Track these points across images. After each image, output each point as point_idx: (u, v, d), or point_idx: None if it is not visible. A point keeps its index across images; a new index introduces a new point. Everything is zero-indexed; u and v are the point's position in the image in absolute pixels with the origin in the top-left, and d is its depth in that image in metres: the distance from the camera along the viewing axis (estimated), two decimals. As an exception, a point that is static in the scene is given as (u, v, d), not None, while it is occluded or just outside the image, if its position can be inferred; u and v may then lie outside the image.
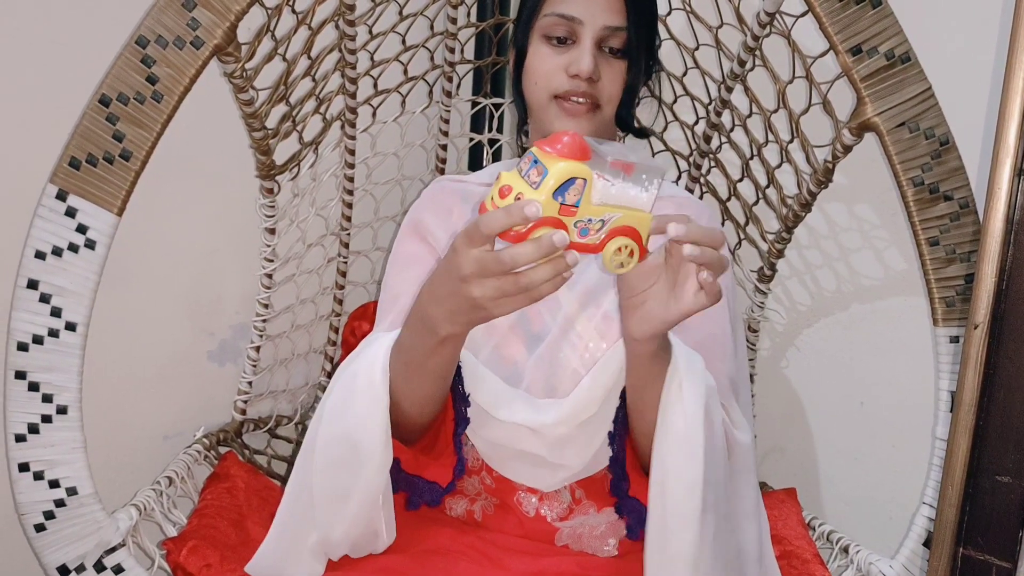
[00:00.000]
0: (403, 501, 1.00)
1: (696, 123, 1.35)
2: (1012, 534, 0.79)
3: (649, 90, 1.25)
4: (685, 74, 1.33)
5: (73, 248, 0.96)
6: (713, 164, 1.35)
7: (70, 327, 0.96)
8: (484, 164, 1.55)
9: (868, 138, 1.08)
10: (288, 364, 1.39)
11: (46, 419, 0.96)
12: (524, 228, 0.71)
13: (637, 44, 1.04)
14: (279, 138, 1.19)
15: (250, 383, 1.33)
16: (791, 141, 1.19)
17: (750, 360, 1.38)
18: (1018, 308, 0.79)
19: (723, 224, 1.34)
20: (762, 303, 1.34)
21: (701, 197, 1.38)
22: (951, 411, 0.97)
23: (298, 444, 1.41)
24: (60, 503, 0.97)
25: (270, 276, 1.30)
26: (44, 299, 0.96)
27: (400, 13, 1.30)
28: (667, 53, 1.29)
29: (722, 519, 0.87)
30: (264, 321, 1.31)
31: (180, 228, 1.25)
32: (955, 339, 1.07)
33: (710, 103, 1.30)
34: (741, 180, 1.31)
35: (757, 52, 1.17)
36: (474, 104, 1.52)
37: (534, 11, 1.05)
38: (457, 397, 0.97)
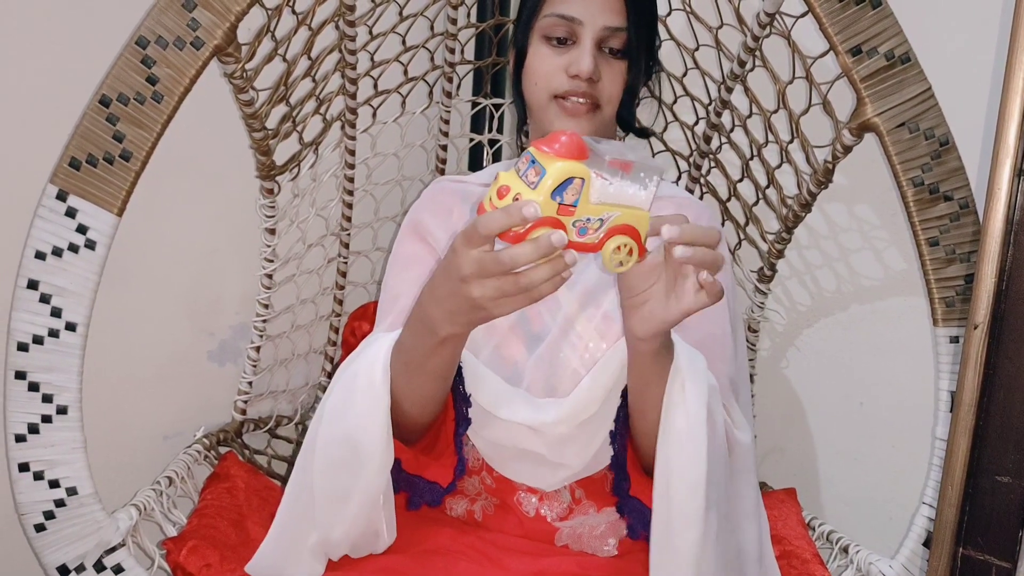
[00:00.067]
0: (404, 501, 1.00)
1: (696, 123, 1.35)
2: (1012, 534, 0.79)
3: (649, 90, 1.25)
4: (685, 74, 1.33)
5: (73, 248, 0.96)
6: (713, 164, 1.35)
7: (70, 327, 0.96)
8: (484, 164, 1.55)
9: (868, 138, 1.08)
10: (288, 364, 1.39)
11: (46, 419, 0.96)
12: (523, 228, 0.71)
13: (637, 44, 1.04)
14: (279, 138, 1.19)
15: (250, 383, 1.33)
16: (791, 141, 1.19)
17: (750, 360, 1.38)
18: (1018, 308, 0.79)
19: (723, 224, 1.34)
20: (762, 303, 1.34)
21: (701, 197, 1.38)
22: (951, 411, 0.97)
23: (298, 444, 1.41)
24: (60, 503, 0.97)
25: (270, 276, 1.30)
26: (44, 299, 0.96)
27: (400, 14, 1.30)
28: (667, 53, 1.29)
29: (723, 518, 0.87)
30: (264, 321, 1.31)
31: (180, 228, 1.25)
32: (955, 339, 1.07)
33: (710, 103, 1.30)
34: (741, 180, 1.31)
35: (757, 52, 1.17)
36: (474, 104, 1.52)
37: (534, 12, 1.05)
38: (458, 397, 0.97)
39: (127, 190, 0.97)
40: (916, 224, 1.06)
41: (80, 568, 0.98)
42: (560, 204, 0.71)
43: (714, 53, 1.27)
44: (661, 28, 1.25)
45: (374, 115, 1.37)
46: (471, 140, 1.55)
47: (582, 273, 1.02)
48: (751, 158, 1.28)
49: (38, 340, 0.96)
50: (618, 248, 0.74)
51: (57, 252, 0.96)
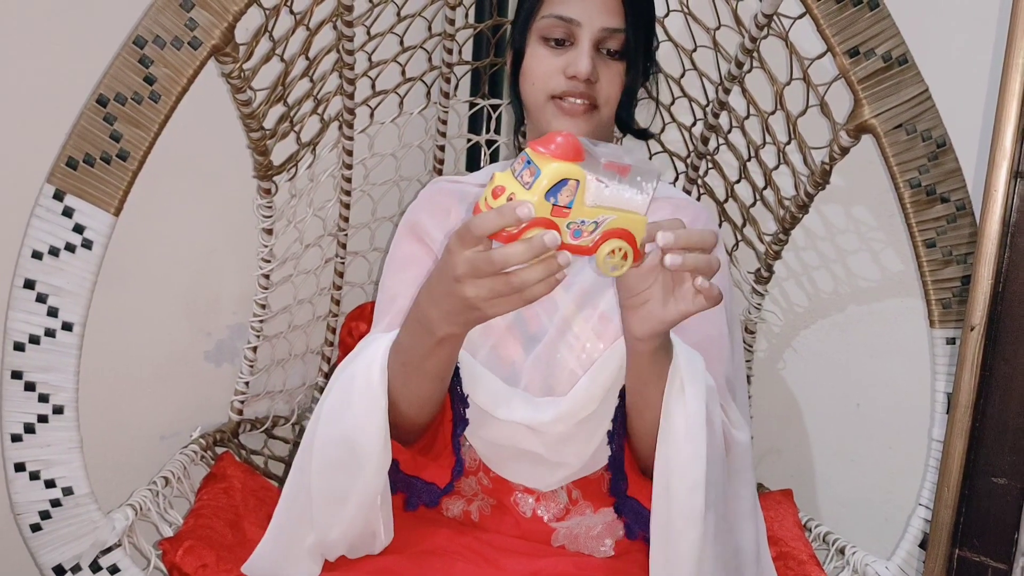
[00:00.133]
0: (401, 502, 1.00)
1: (694, 124, 1.35)
2: (1008, 536, 0.79)
3: (647, 92, 1.25)
4: (683, 76, 1.33)
5: (70, 248, 0.96)
6: (711, 166, 1.35)
7: (67, 327, 0.96)
8: (482, 165, 1.55)
9: (865, 140, 1.09)
10: (285, 364, 1.39)
11: (42, 419, 0.96)
12: (516, 229, 0.71)
13: (635, 46, 1.04)
14: (277, 138, 1.19)
15: (247, 383, 1.33)
16: (788, 143, 1.20)
17: (747, 361, 1.38)
18: (1014, 310, 0.79)
19: (720, 225, 1.35)
20: (759, 304, 1.34)
21: (698, 198, 1.38)
22: (947, 413, 0.97)
23: (295, 445, 1.41)
24: (56, 503, 0.97)
25: (267, 276, 1.30)
26: (41, 299, 0.95)
27: (398, 14, 1.30)
28: (665, 55, 1.29)
29: (721, 518, 0.88)
30: (261, 321, 1.31)
31: (177, 228, 1.25)
32: (951, 341, 1.07)
33: (708, 105, 1.30)
34: (739, 182, 1.31)
35: (755, 54, 1.18)
36: (472, 105, 1.52)
37: (532, 13, 1.05)
38: (455, 398, 0.97)
39: (124, 190, 0.97)
40: (913, 226, 1.06)
41: (76, 568, 0.98)
42: (554, 205, 0.71)
43: (712, 54, 1.27)
44: (659, 29, 1.25)
45: (372, 115, 1.37)
46: (469, 140, 1.55)
47: (579, 274, 1.02)
48: (748, 159, 1.28)
49: (35, 340, 0.95)
50: (612, 252, 0.74)
51: (54, 252, 0.95)
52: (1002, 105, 0.79)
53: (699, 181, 1.38)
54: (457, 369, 0.96)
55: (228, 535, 1.07)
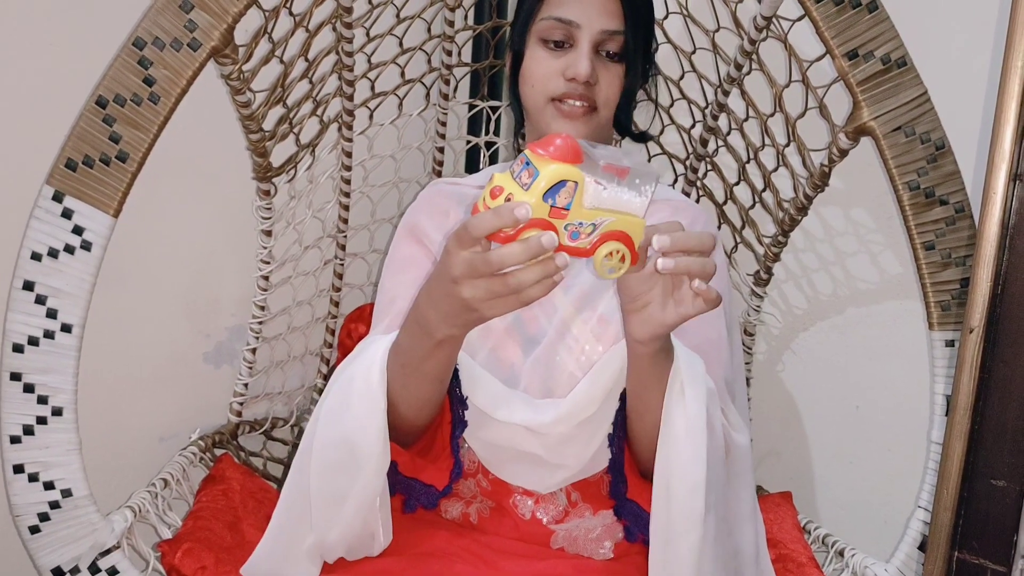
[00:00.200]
0: (400, 504, 1.00)
1: (693, 127, 1.35)
2: (1007, 538, 0.79)
3: (646, 94, 1.25)
4: (682, 78, 1.33)
5: (69, 250, 0.96)
6: (710, 168, 1.35)
7: (66, 329, 0.96)
8: (481, 167, 1.55)
9: (864, 142, 1.09)
10: (284, 366, 1.39)
11: (41, 421, 0.96)
12: (513, 230, 0.71)
13: (634, 48, 1.04)
14: (276, 140, 1.19)
15: (246, 385, 1.33)
16: (787, 145, 1.20)
17: (746, 363, 1.38)
18: (1013, 312, 0.79)
19: (719, 228, 1.35)
20: (758, 306, 1.34)
21: (698, 200, 1.38)
22: (946, 415, 0.97)
23: (294, 446, 1.41)
24: (55, 505, 0.97)
25: (266, 278, 1.30)
26: (40, 300, 0.95)
27: (397, 16, 1.30)
28: (664, 57, 1.29)
29: (721, 521, 0.88)
30: (260, 323, 1.31)
31: (177, 230, 1.25)
32: (950, 343, 1.07)
33: (707, 107, 1.30)
34: (738, 184, 1.31)
35: (754, 56, 1.18)
36: (471, 107, 1.52)
37: (531, 14, 1.05)
38: (454, 400, 0.97)
39: (123, 191, 0.97)
40: (912, 228, 1.06)
41: (75, 570, 0.98)
42: (552, 207, 0.71)
43: (711, 56, 1.27)
44: (658, 31, 1.25)
45: (371, 117, 1.37)
46: (468, 142, 1.55)
47: (578, 276, 1.02)
48: (747, 161, 1.28)
49: (33, 341, 0.95)
50: (610, 254, 0.74)
51: (53, 253, 0.95)
52: (1001, 107, 0.79)
53: (698, 183, 1.38)
54: (456, 371, 0.96)
55: (227, 537, 1.07)
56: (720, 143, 1.31)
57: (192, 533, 1.04)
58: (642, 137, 1.20)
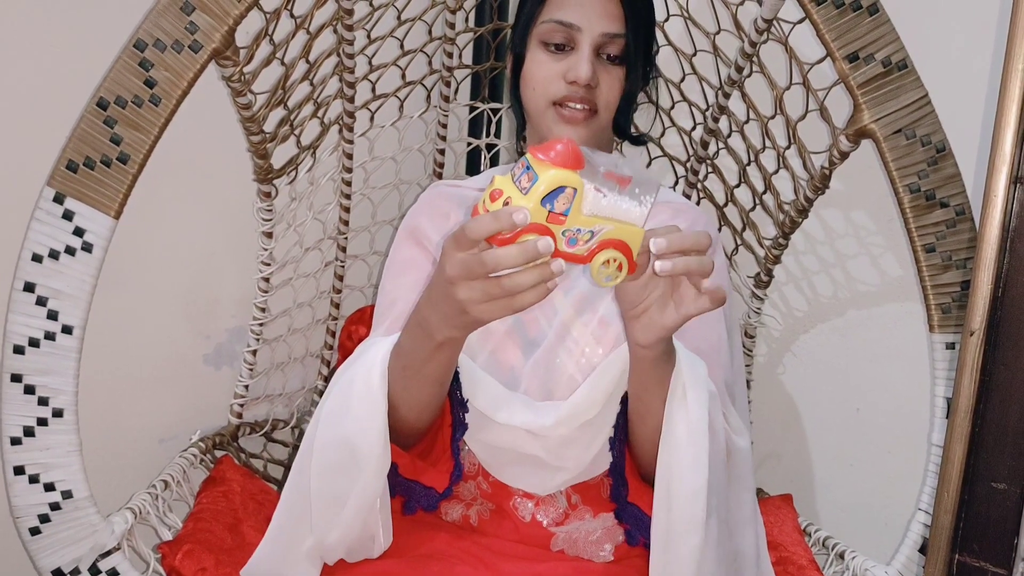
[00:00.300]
0: (400, 506, 1.00)
1: (693, 129, 1.35)
2: (1007, 541, 0.79)
3: (647, 96, 1.25)
4: (683, 80, 1.33)
5: (70, 251, 0.96)
6: (710, 170, 1.35)
7: (66, 330, 0.96)
8: (482, 169, 1.55)
9: (865, 145, 1.09)
10: (285, 368, 1.39)
11: (42, 422, 0.96)
12: (511, 234, 0.71)
13: (635, 51, 1.04)
14: (277, 142, 1.19)
15: (246, 387, 1.33)
16: (788, 147, 1.20)
17: (747, 366, 1.38)
18: (1014, 315, 0.79)
19: (720, 230, 1.35)
20: (759, 309, 1.34)
21: (698, 203, 1.38)
22: (947, 417, 0.97)
23: (294, 448, 1.41)
24: (55, 506, 0.97)
25: (267, 280, 1.30)
26: (41, 302, 0.95)
27: (398, 18, 1.31)
28: (665, 59, 1.29)
29: (722, 523, 0.87)
30: (261, 325, 1.31)
31: (177, 231, 1.25)
32: (951, 345, 1.07)
33: (707, 109, 1.30)
34: (738, 186, 1.31)
35: (754, 58, 1.18)
36: (472, 109, 1.52)
37: (532, 17, 1.05)
38: (455, 403, 0.97)
39: (124, 193, 0.97)
40: (912, 230, 1.06)
41: (75, 572, 0.98)
42: (550, 212, 0.71)
43: (712, 59, 1.27)
44: (659, 34, 1.25)
45: (372, 119, 1.37)
46: (469, 144, 1.55)
47: (578, 279, 1.02)
48: (748, 164, 1.28)
49: (34, 343, 0.95)
50: (607, 262, 0.74)
51: (54, 255, 0.95)
52: (1002, 110, 0.79)
53: (699, 185, 1.38)
54: (457, 373, 0.96)
55: (227, 539, 1.07)
56: (721, 145, 1.32)
57: (192, 535, 1.04)
58: (639, 140, 1.20)
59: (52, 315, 0.96)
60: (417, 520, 1.01)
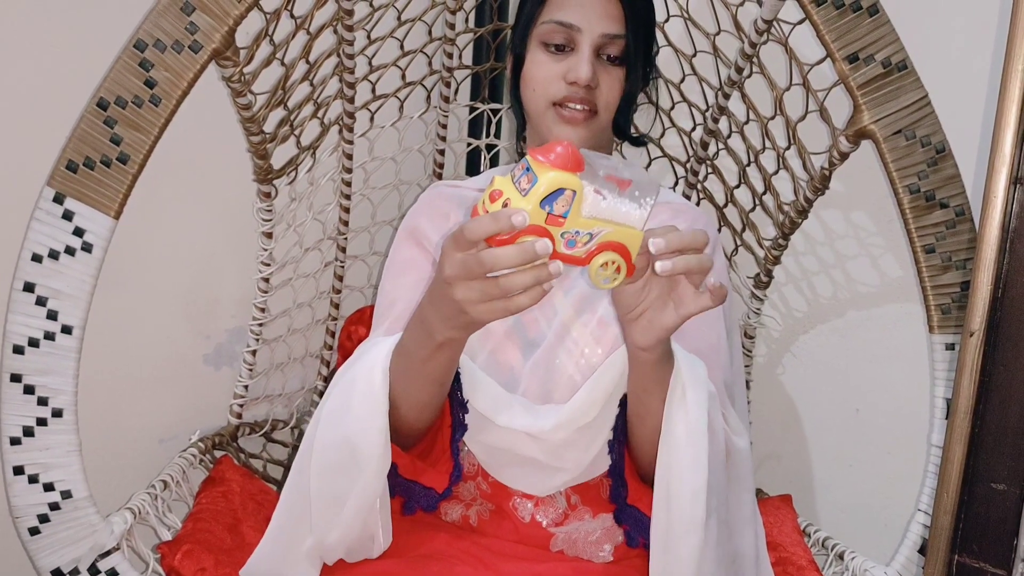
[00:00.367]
0: (399, 506, 1.00)
1: (693, 129, 1.35)
2: (1007, 541, 0.79)
3: (647, 96, 1.25)
4: (683, 81, 1.33)
5: (70, 251, 0.96)
6: (710, 170, 1.35)
7: (66, 330, 0.96)
8: (482, 169, 1.55)
9: (864, 145, 1.09)
10: (284, 368, 1.39)
11: (41, 422, 0.96)
12: (509, 235, 0.71)
13: (635, 52, 1.04)
14: (277, 142, 1.19)
15: (246, 387, 1.33)
16: (788, 148, 1.20)
17: (746, 367, 1.38)
18: (1013, 316, 0.79)
19: (720, 231, 1.35)
20: (758, 309, 1.34)
21: (698, 203, 1.38)
22: (947, 418, 0.97)
23: (294, 448, 1.41)
24: (55, 506, 0.97)
25: (267, 280, 1.30)
26: (40, 302, 0.95)
27: (398, 18, 1.31)
28: (665, 60, 1.29)
29: (721, 524, 0.87)
30: (260, 325, 1.31)
31: (177, 232, 1.25)
32: (951, 346, 1.07)
33: (707, 110, 1.30)
34: (738, 187, 1.31)
35: (754, 59, 1.18)
36: (472, 109, 1.52)
37: (532, 18, 1.05)
38: (455, 403, 0.97)
39: (124, 193, 0.97)
40: (912, 231, 1.06)
41: (74, 572, 0.98)
42: (549, 214, 0.71)
43: (712, 59, 1.27)
44: (659, 34, 1.25)
45: (372, 119, 1.37)
46: (468, 145, 1.55)
47: (578, 279, 1.02)
48: (748, 164, 1.28)
49: (34, 343, 0.95)
50: (605, 264, 0.74)
51: (54, 255, 0.95)
52: (1001, 111, 0.79)
53: (699, 186, 1.38)
54: (457, 374, 0.96)
55: (226, 539, 1.07)
56: (720, 146, 1.32)
57: (192, 535, 1.04)
58: (639, 141, 1.20)
59: (52, 315, 0.96)
60: (417, 520, 1.01)
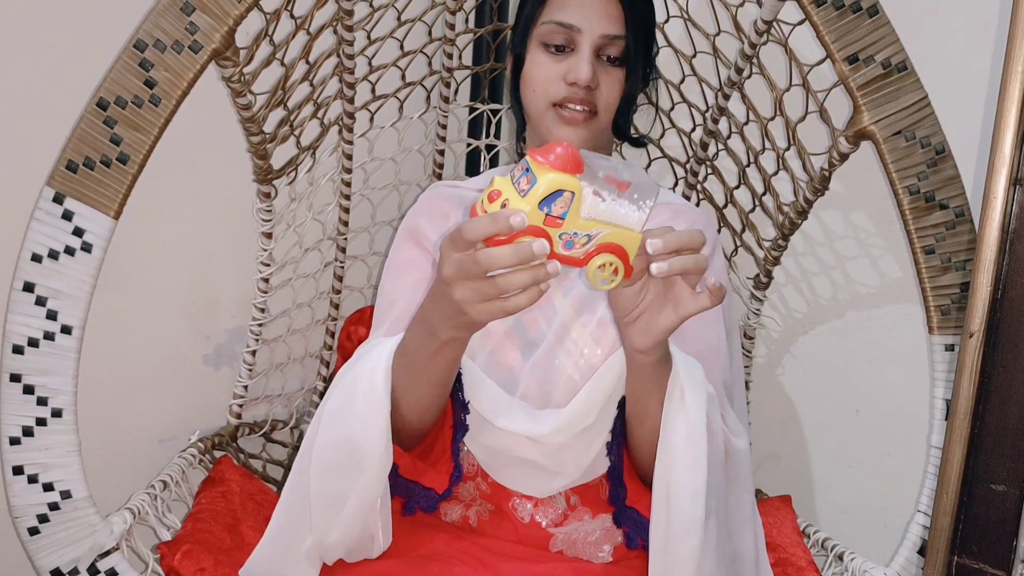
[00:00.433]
0: (399, 506, 1.00)
1: (693, 130, 1.35)
2: (1006, 542, 0.79)
3: (647, 97, 1.25)
4: (683, 81, 1.33)
5: (70, 251, 0.96)
6: (710, 171, 1.35)
7: (66, 330, 0.96)
8: (481, 170, 1.55)
9: (864, 146, 1.09)
10: (284, 368, 1.39)
11: (41, 422, 0.96)
12: (507, 236, 0.71)
13: (635, 52, 1.04)
14: (277, 142, 1.19)
15: (246, 387, 1.33)
16: (788, 149, 1.20)
17: (746, 367, 1.38)
18: (1013, 317, 0.79)
19: (719, 231, 1.35)
20: (758, 310, 1.34)
21: (698, 204, 1.39)
22: (946, 419, 0.97)
23: (293, 449, 1.41)
24: (54, 506, 0.97)
25: (266, 280, 1.30)
26: (40, 302, 0.95)
27: (398, 19, 1.31)
28: (665, 60, 1.29)
29: (721, 524, 0.87)
30: (260, 325, 1.31)
31: (177, 232, 1.25)
32: (950, 347, 1.07)
33: (707, 110, 1.30)
34: (738, 187, 1.31)
35: (754, 60, 1.18)
36: (472, 110, 1.52)
37: (532, 18, 1.05)
38: (456, 404, 0.97)
39: (124, 193, 0.97)
40: (912, 232, 1.06)
41: (74, 572, 0.98)
42: (548, 215, 0.71)
43: (711, 60, 1.27)
44: (659, 35, 1.26)
45: (371, 120, 1.37)
46: (468, 145, 1.55)
47: (577, 280, 1.02)
48: (748, 165, 1.28)
49: (33, 343, 0.95)
50: (603, 266, 0.74)
51: (53, 255, 0.95)
52: (1001, 112, 0.79)
53: (698, 187, 1.38)
54: (459, 375, 0.96)
55: (226, 539, 1.07)
56: (720, 147, 1.32)
57: (191, 535, 1.04)
58: (639, 142, 1.20)
59: (51, 315, 0.96)
60: (416, 521, 1.01)
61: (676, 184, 1.41)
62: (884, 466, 1.30)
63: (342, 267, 1.43)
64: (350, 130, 1.33)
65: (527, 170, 0.71)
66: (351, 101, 1.29)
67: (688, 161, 1.38)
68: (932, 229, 1.06)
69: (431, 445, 0.99)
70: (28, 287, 0.95)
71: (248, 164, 1.20)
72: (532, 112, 1.06)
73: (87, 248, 0.96)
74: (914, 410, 1.23)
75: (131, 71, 0.96)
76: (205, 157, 1.24)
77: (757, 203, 1.28)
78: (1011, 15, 0.79)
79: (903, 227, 1.07)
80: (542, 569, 0.94)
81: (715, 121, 1.29)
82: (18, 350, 0.95)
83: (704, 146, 1.33)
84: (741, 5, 1.17)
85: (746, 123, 1.26)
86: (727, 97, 1.25)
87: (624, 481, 0.95)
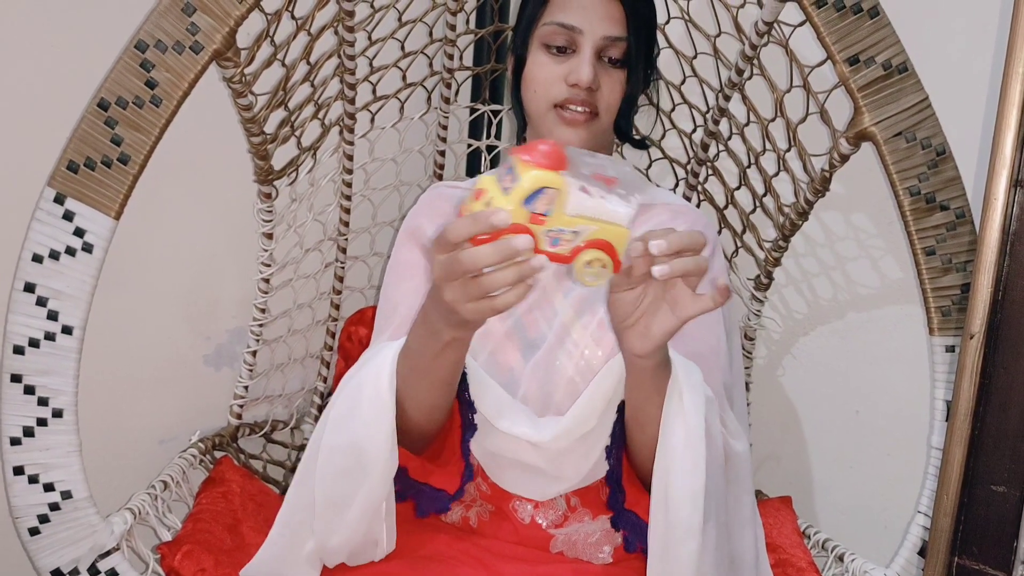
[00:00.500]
0: (411, 509, 1.00)
1: (694, 131, 1.35)
2: (1007, 544, 0.79)
3: (647, 98, 1.25)
4: (683, 82, 1.33)
5: (70, 252, 0.96)
6: (711, 172, 1.35)
7: (67, 330, 0.96)
8: (482, 170, 1.55)
9: (865, 147, 1.09)
10: (284, 369, 1.39)
11: (41, 422, 0.96)
12: (491, 235, 0.71)
13: (636, 54, 1.04)
14: (277, 143, 1.19)
15: (246, 387, 1.33)
16: (788, 150, 1.20)
17: (746, 368, 1.38)
18: (1013, 318, 0.79)
19: (720, 232, 1.35)
20: (758, 311, 1.34)
21: (698, 205, 1.38)
22: (946, 420, 0.97)
23: (294, 449, 1.41)
24: (55, 507, 0.97)
25: (267, 281, 1.30)
26: (41, 302, 0.95)
27: (399, 19, 1.31)
28: (665, 61, 1.29)
29: (720, 527, 0.87)
30: (261, 325, 1.31)
31: (178, 232, 1.25)
32: (951, 348, 1.07)
33: (708, 111, 1.30)
34: (738, 188, 1.31)
35: (755, 61, 1.18)
36: (472, 110, 1.52)
37: (533, 19, 1.05)
38: (464, 404, 0.97)
39: (125, 194, 0.97)
40: (912, 233, 1.06)
41: (74, 572, 0.98)
42: (532, 213, 0.71)
43: (712, 61, 1.27)
44: (660, 36, 1.26)
45: (372, 120, 1.37)
46: (469, 146, 1.55)
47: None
48: (748, 166, 1.28)
49: (34, 343, 0.95)
50: (590, 262, 0.74)
51: (54, 255, 0.95)
52: (1002, 113, 0.79)
53: (699, 187, 1.38)
54: (465, 375, 0.96)
55: (226, 539, 1.07)
56: (721, 148, 1.32)
57: (192, 535, 1.04)
58: (640, 144, 1.20)
59: (52, 315, 0.96)
60: (416, 522, 1.01)
61: (677, 185, 1.41)
62: (884, 467, 1.30)
63: (343, 268, 1.43)
64: (351, 131, 1.33)
65: (511, 168, 0.71)
66: (352, 102, 1.29)
67: (689, 162, 1.38)
68: (933, 230, 1.06)
69: (440, 446, 0.99)
70: (29, 287, 0.95)
71: (249, 165, 1.20)
72: (533, 113, 1.06)
73: (88, 248, 0.96)
74: (914, 411, 1.23)
75: (132, 71, 0.96)
76: (206, 158, 1.24)
77: (758, 204, 1.29)
78: (1012, 16, 0.79)
79: (904, 228, 1.07)
80: (542, 570, 0.94)
81: (716, 122, 1.29)
82: (19, 350, 0.95)
83: (705, 147, 1.33)
84: (742, 6, 1.17)
85: (747, 124, 1.26)
86: (728, 98, 1.25)
87: (623, 485, 0.95)
